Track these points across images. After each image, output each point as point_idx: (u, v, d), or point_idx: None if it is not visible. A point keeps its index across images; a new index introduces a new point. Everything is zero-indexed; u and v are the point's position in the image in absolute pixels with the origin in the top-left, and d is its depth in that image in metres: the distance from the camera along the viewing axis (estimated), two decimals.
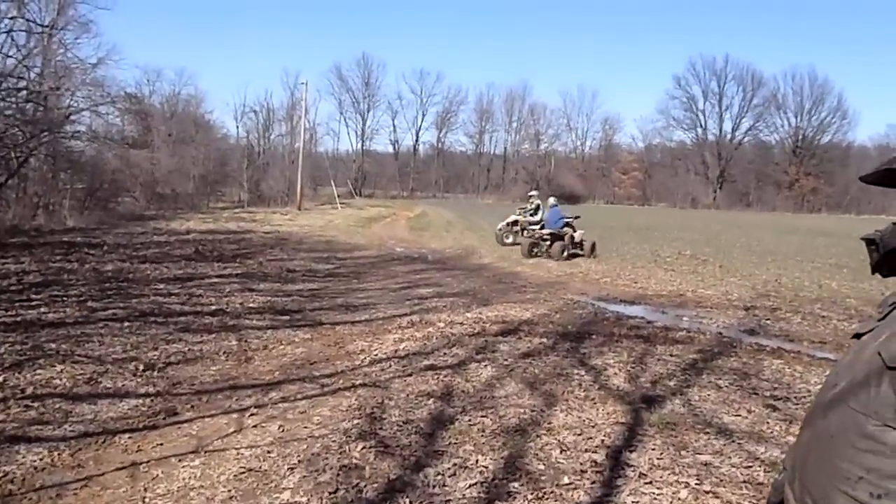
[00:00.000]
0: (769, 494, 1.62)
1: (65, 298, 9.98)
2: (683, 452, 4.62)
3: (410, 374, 6.57)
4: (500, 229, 23.00)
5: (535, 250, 18.92)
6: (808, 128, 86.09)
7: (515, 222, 22.63)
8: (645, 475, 4.24)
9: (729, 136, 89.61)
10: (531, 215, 21.79)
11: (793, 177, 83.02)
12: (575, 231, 19.74)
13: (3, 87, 22.99)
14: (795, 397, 6.05)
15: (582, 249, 19.46)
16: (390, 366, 6.97)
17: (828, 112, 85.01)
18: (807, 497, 1.29)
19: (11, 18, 23.64)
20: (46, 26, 26.11)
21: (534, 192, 23.59)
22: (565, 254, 18.42)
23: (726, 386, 6.35)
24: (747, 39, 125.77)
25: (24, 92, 24.17)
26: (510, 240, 22.38)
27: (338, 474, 4.25)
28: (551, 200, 21.05)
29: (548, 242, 18.86)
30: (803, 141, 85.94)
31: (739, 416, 5.49)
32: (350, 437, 4.90)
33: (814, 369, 7.09)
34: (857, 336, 1.37)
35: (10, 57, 24.23)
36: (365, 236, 26.82)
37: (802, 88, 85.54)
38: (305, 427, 5.18)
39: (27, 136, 23.57)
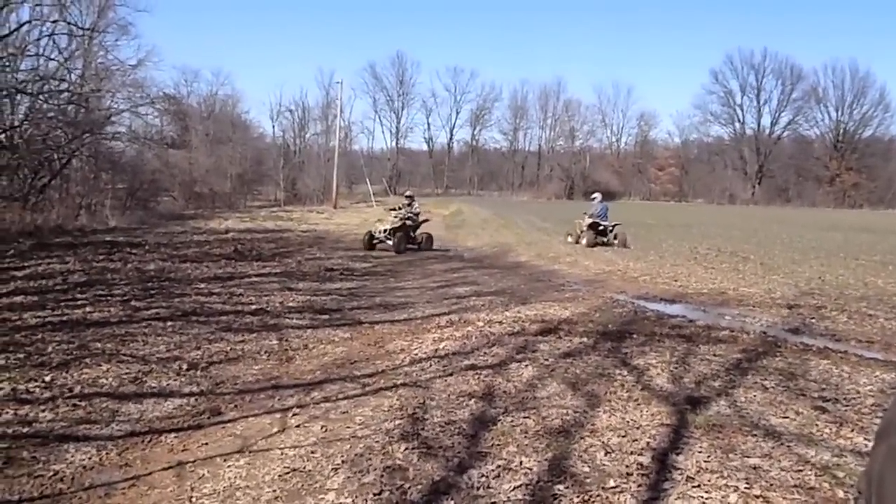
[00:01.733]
0: None
1: (109, 298, 10.14)
2: (731, 455, 4.54)
3: (451, 374, 6.55)
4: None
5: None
6: (849, 122, 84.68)
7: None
8: (692, 478, 4.17)
9: (768, 131, 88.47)
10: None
11: (834, 172, 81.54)
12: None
13: (45, 89, 23.49)
14: (845, 399, 5.92)
15: (616, 240, 21.16)
16: (430, 365, 6.96)
17: (870, 105, 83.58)
18: None
19: (53, 22, 24.18)
20: (87, 29, 26.63)
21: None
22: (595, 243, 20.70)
23: (772, 387, 6.23)
24: (786, 32, 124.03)
25: (66, 94, 24.66)
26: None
27: (382, 475, 4.24)
28: (598, 196, 22.50)
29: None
30: (844, 135, 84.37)
31: (787, 417, 5.38)
32: (393, 437, 4.89)
33: (862, 369, 6.94)
34: None
35: (53, 59, 24.78)
36: None
37: (843, 82, 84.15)
38: (348, 427, 5.19)
39: (69, 137, 24.05)
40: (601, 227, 21.28)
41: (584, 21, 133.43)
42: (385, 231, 19.49)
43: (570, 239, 22.44)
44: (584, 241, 20.92)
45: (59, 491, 4.21)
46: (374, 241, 19.63)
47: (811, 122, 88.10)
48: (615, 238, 21.22)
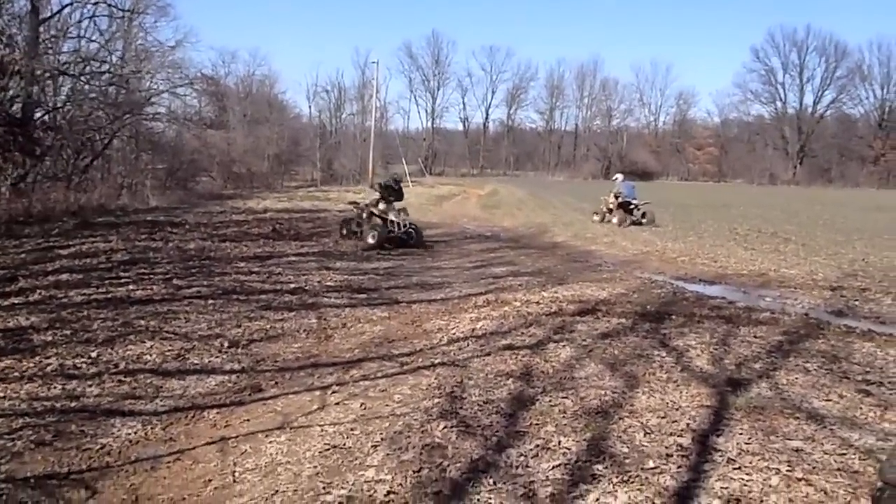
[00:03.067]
0: (875, 499, 1.53)
1: (151, 276, 10.31)
2: (773, 438, 4.49)
3: (489, 354, 6.56)
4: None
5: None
6: (895, 100, 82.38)
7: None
8: (733, 460, 4.13)
9: (810, 110, 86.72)
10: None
11: (878, 151, 79.68)
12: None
13: (87, 70, 23.83)
14: (890, 382, 5.81)
15: (644, 218, 21.54)
16: (468, 345, 6.98)
17: None
18: None
19: (94, 4, 24.45)
20: (127, 10, 26.92)
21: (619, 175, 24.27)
22: (627, 221, 21.11)
23: (815, 369, 6.14)
24: (830, 9, 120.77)
25: (107, 75, 25.01)
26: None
27: (421, 453, 4.28)
28: (620, 176, 23.40)
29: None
30: (890, 114, 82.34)
31: (830, 400, 5.30)
32: (431, 415, 4.92)
33: None
34: None
35: (94, 41, 25.13)
36: (437, 214, 26.85)
37: (889, 59, 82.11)
38: (387, 405, 5.23)
39: (110, 118, 24.42)
40: (631, 206, 21.82)
41: None
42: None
43: (596, 217, 22.83)
44: (615, 220, 21.45)
45: (107, 464, 4.32)
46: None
47: (855, 101, 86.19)
48: (643, 216, 21.69)
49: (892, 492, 1.45)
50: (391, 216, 15.54)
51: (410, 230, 15.73)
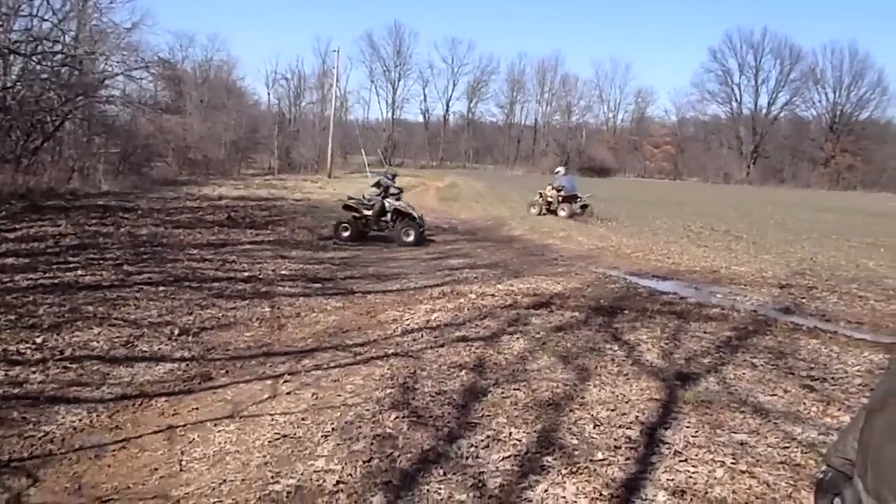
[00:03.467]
0: (815, 496, 1.57)
1: (101, 262, 10.10)
2: (719, 431, 4.58)
3: (442, 345, 6.57)
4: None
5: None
6: (846, 104, 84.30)
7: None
8: (680, 453, 4.20)
9: (764, 111, 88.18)
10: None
11: (829, 153, 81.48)
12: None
13: (39, 50, 23.16)
14: (833, 378, 5.97)
15: (583, 210, 22.37)
16: (422, 336, 6.98)
17: (867, 88, 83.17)
18: (882, 488, 1.24)
19: None
20: None
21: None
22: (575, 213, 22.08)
23: (762, 365, 6.27)
24: (786, 12, 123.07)
25: (60, 56, 24.32)
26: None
27: (371, 443, 4.27)
28: (561, 170, 24.46)
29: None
30: (841, 117, 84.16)
31: (775, 395, 5.42)
32: (383, 406, 4.91)
33: (851, 350, 6.98)
34: None
35: (46, 20, 24.36)
36: None
37: (842, 63, 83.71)
38: (339, 395, 5.21)
39: (62, 99, 23.81)
40: (576, 201, 22.75)
41: None
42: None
43: (533, 210, 23.39)
44: (562, 213, 22.19)
45: (49, 452, 4.22)
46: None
47: (808, 104, 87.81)
48: (583, 209, 22.60)
49: (834, 474, 1.49)
50: (412, 211, 15.64)
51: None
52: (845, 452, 1.46)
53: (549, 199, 22.98)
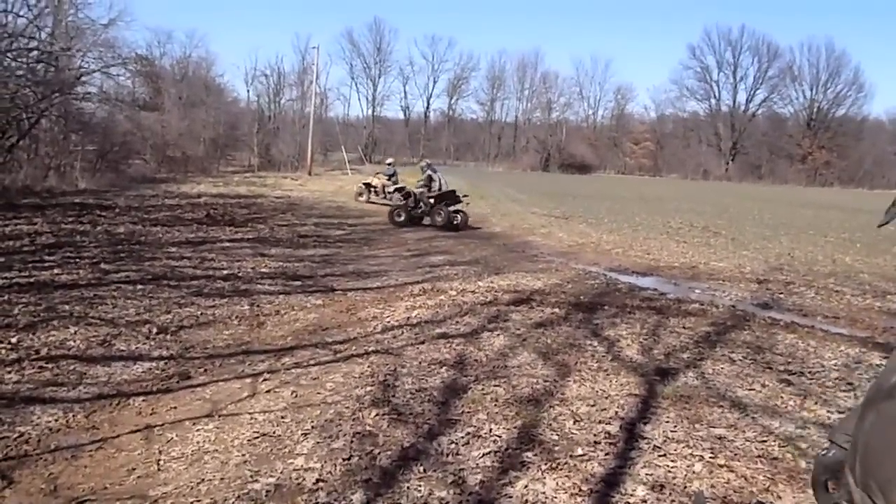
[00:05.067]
0: (814, 471, 1.57)
1: (77, 260, 9.99)
2: (697, 426, 4.61)
3: (423, 342, 6.57)
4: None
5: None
6: (823, 100, 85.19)
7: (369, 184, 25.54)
8: (659, 448, 4.22)
9: (743, 108, 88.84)
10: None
11: (806, 150, 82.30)
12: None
13: (14, 46, 22.85)
14: (810, 372, 6.02)
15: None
16: (402, 333, 6.97)
17: (844, 85, 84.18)
18: (870, 481, 1.24)
19: None
20: None
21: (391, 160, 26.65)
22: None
23: (740, 359, 6.32)
24: (764, 9, 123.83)
25: (36, 52, 24.00)
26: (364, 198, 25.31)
27: (351, 441, 4.25)
28: (391, 160, 26.08)
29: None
30: (818, 114, 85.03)
31: (753, 390, 5.46)
32: (363, 404, 4.90)
33: (828, 344, 7.05)
34: None
35: (21, 16, 24.02)
36: (375, 204, 26.70)
37: (819, 60, 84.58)
38: (318, 393, 5.19)
39: (38, 96, 23.46)
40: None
41: None
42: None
43: (362, 199, 25.01)
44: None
45: (25, 453, 4.17)
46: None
47: (785, 100, 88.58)
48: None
49: (838, 451, 1.50)
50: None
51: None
52: (849, 430, 1.46)
53: (375, 187, 24.67)
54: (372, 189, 25.15)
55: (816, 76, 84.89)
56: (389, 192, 23.11)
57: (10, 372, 5.41)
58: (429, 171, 19.30)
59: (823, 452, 1.55)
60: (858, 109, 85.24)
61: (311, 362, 5.98)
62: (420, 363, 5.91)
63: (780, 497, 3.68)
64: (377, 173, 26.43)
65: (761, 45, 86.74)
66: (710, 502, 3.56)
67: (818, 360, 6.44)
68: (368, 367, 5.81)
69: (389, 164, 25.78)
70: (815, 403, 5.17)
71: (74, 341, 6.28)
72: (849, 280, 11.34)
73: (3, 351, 5.87)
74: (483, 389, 5.24)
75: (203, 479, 3.81)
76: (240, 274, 9.95)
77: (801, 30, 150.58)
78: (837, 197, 50.24)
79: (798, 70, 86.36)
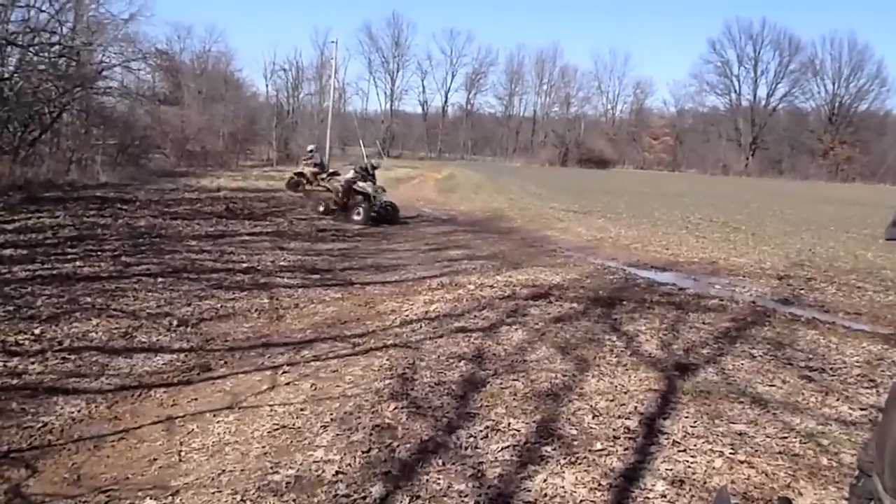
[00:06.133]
0: (851, 488, 1.52)
1: (99, 253, 10.09)
2: (717, 421, 4.58)
3: (441, 336, 6.57)
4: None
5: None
6: (845, 95, 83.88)
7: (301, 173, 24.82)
8: (678, 443, 4.21)
9: (763, 103, 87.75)
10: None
11: (828, 145, 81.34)
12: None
13: (36, 41, 23.05)
14: (831, 369, 5.98)
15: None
16: (421, 327, 6.98)
17: (866, 79, 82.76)
18: None
19: None
20: None
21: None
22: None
23: (760, 355, 6.28)
24: (785, 3, 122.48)
25: (57, 47, 24.19)
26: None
27: (370, 434, 4.27)
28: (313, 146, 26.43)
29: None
30: (840, 108, 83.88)
31: (774, 386, 5.43)
32: (382, 397, 4.91)
33: (849, 341, 6.99)
34: None
35: (44, 11, 24.23)
36: (393, 197, 26.56)
37: (841, 54, 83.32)
38: (338, 386, 5.21)
39: (60, 91, 23.70)
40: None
41: None
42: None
43: (298, 190, 24.33)
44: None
45: (48, 442, 4.22)
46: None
47: (807, 95, 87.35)
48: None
49: (866, 479, 1.44)
50: (370, 191, 16.92)
51: (388, 206, 17.36)
52: (873, 446, 1.40)
53: (307, 176, 23.96)
54: (305, 179, 24.44)
55: (839, 70, 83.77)
56: (322, 179, 21.54)
57: (33, 363, 5.47)
58: (368, 161, 18.77)
59: (854, 482, 1.51)
60: (881, 104, 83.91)
61: (331, 355, 6.01)
62: (438, 357, 5.92)
63: (801, 493, 3.65)
64: (303, 160, 26.04)
65: (783, 38, 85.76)
66: (734, 498, 3.54)
67: (840, 357, 6.38)
68: (387, 360, 5.82)
69: (311, 151, 25.79)
70: (837, 400, 5.12)
71: (96, 333, 6.35)
72: (871, 276, 11.22)
73: (27, 342, 5.94)
74: (501, 383, 5.24)
75: (224, 471, 3.84)
76: (259, 267, 10.00)
77: (824, 23, 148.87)
78: (859, 192, 49.65)
79: (820, 64, 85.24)
